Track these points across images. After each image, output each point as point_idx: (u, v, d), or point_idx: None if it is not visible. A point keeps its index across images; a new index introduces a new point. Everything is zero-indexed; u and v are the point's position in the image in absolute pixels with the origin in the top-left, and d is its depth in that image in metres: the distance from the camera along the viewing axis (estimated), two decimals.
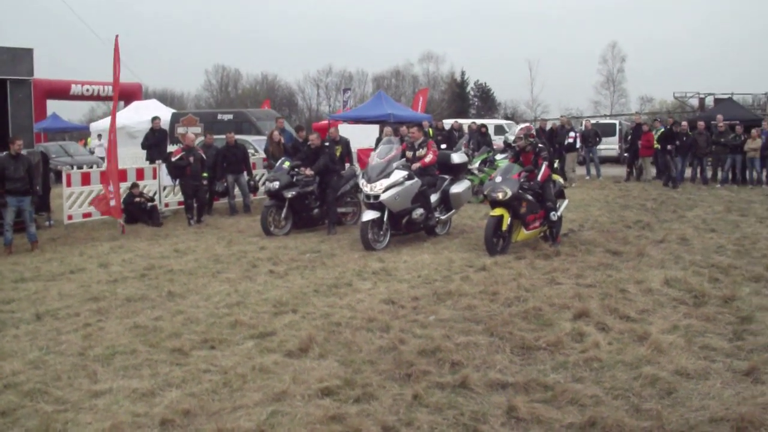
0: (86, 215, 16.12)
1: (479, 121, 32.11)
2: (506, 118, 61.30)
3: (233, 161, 17.65)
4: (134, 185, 16.39)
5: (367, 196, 12.49)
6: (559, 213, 12.33)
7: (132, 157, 22.89)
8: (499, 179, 11.69)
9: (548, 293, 8.91)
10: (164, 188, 17.78)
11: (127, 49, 15.29)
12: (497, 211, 11.57)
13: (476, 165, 19.26)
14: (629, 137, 26.31)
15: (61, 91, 39.43)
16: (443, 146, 20.22)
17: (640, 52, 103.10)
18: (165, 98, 65.06)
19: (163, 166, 17.30)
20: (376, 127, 25.01)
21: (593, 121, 32.43)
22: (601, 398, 5.59)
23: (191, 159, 15.80)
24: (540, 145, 12.45)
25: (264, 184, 16.67)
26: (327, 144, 14.95)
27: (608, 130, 32.81)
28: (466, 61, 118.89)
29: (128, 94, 36.52)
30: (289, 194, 14.09)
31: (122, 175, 16.14)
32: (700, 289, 8.88)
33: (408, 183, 12.54)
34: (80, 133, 50.13)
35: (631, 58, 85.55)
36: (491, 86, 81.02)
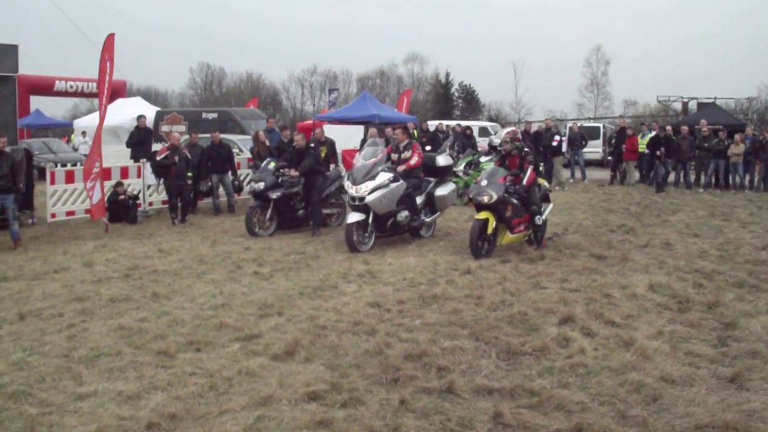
0: (69, 213, 16.05)
1: (464, 123, 32.20)
2: (490, 120, 61.52)
3: (218, 161, 17.60)
4: (119, 184, 16.30)
5: (353, 198, 12.48)
6: (543, 217, 12.37)
7: (115, 155, 22.74)
8: (484, 183, 11.72)
9: (533, 297, 8.93)
10: (148, 187, 17.69)
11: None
12: (482, 215, 11.59)
13: (461, 167, 19.29)
14: (613, 141, 26.39)
15: (45, 87, 39.19)
16: (428, 148, 20.20)
17: (624, 56, 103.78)
18: (149, 96, 64.76)
19: (148, 165, 17.22)
20: (361, 128, 24.98)
21: (579, 124, 32.49)
22: (587, 404, 5.61)
23: (176, 158, 15.75)
24: (526, 149, 12.48)
25: (249, 184, 16.63)
26: (312, 145, 14.92)
27: (592, 134, 32.85)
28: (450, 62, 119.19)
29: (112, 92, 36.18)
30: (274, 195, 14.05)
31: (106, 174, 16.04)
32: (684, 295, 8.95)
33: (393, 185, 12.55)
34: (63, 129, 49.82)
35: (615, 61, 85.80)
36: (475, 88, 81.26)
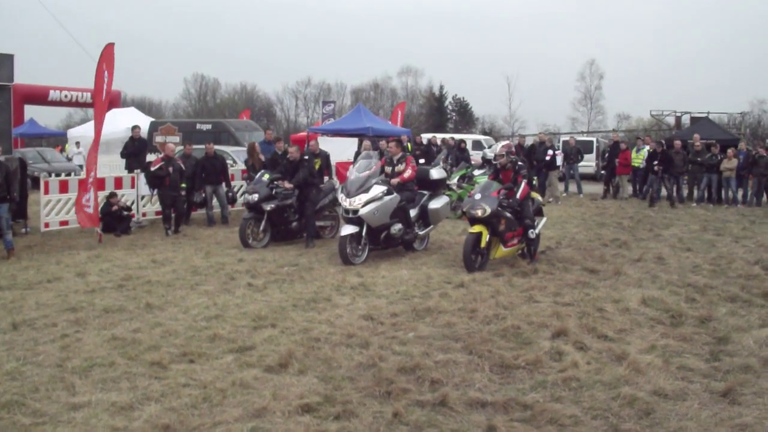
0: (63, 223, 16.03)
1: (458, 137, 32.27)
2: (484, 133, 61.58)
3: (212, 172, 17.59)
4: (112, 194, 16.28)
5: (346, 211, 12.51)
6: (537, 231, 12.42)
7: (109, 165, 22.76)
8: (478, 196, 11.75)
9: (526, 311, 8.95)
10: (142, 197, 17.67)
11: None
12: (476, 228, 11.61)
13: (455, 181, 19.35)
14: (606, 155, 26.45)
15: (40, 97, 39.23)
16: (421, 161, 20.25)
17: (617, 70, 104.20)
18: (143, 106, 64.73)
19: (142, 176, 17.21)
20: (355, 141, 25.02)
21: (581, 138, 32.54)
22: (580, 418, 5.63)
23: (170, 169, 15.75)
24: (519, 162, 12.53)
25: (243, 195, 16.65)
26: (306, 157, 14.94)
27: (586, 148, 32.88)
28: (444, 75, 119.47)
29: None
30: (268, 207, 14.07)
31: (100, 184, 16.04)
32: (677, 309, 8.98)
33: (387, 198, 12.58)
34: (57, 139, 49.73)
35: (609, 75, 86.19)
36: (469, 101, 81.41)
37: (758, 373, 6.72)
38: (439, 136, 32.50)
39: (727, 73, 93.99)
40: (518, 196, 12.05)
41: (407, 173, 13.20)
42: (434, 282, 10.83)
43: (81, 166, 29.54)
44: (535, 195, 13.15)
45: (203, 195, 17.61)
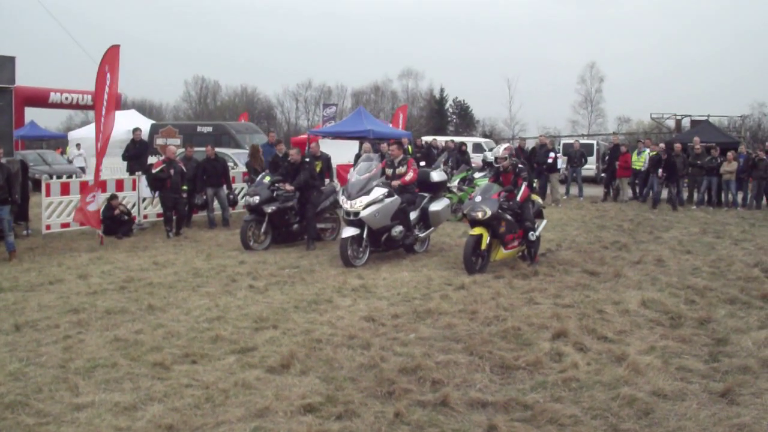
0: (64, 225, 16.08)
1: (458, 139, 32.30)
2: (484, 136, 61.63)
3: (213, 174, 17.64)
4: (113, 197, 16.31)
5: (347, 213, 12.55)
6: (537, 233, 12.47)
7: (109, 167, 22.78)
8: (478, 198, 11.79)
9: (527, 313, 8.99)
10: (143, 200, 17.71)
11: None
12: (476, 230, 11.65)
13: (455, 183, 19.39)
14: (607, 158, 26.49)
15: (40, 99, 39.24)
16: (422, 164, 20.28)
17: (618, 73, 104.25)
18: (144, 109, 64.89)
19: (143, 178, 17.25)
20: (355, 143, 25.07)
21: (580, 141, 32.54)
22: (580, 418, 5.68)
23: (172, 171, 15.79)
24: (520, 165, 12.57)
25: (244, 198, 16.70)
26: (307, 159, 14.99)
27: (586, 151, 32.85)
28: (445, 77, 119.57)
29: None
30: (269, 209, 14.13)
31: (102, 186, 16.08)
32: (677, 311, 9.02)
33: (388, 200, 12.62)
34: (57, 141, 49.80)
35: (609, 78, 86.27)
36: (470, 104, 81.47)
37: (756, 373, 6.76)
38: (440, 138, 32.57)
39: (728, 76, 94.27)
40: (518, 198, 12.08)
41: (409, 176, 13.25)
42: (435, 284, 10.87)
43: (82, 168, 29.62)
44: (536, 197, 13.19)
45: (204, 197, 17.64)
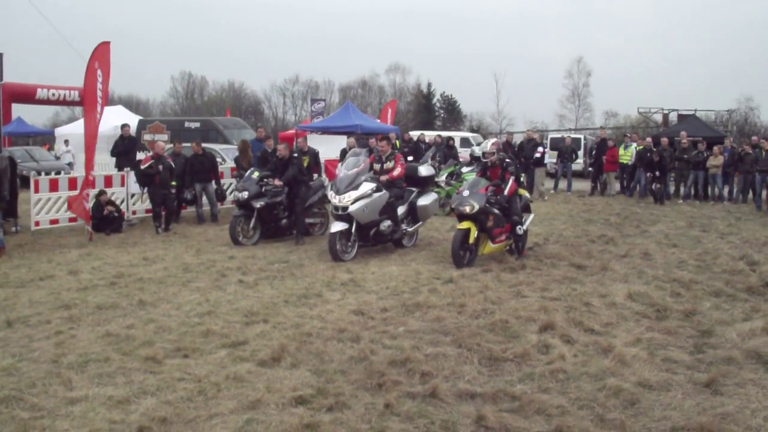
0: (53, 222, 16.08)
1: (445, 134, 32.37)
2: (472, 130, 61.72)
3: (201, 170, 17.66)
4: (102, 192, 16.30)
5: (336, 208, 12.61)
6: (524, 227, 12.55)
7: (98, 163, 22.70)
8: (466, 193, 11.87)
9: (514, 306, 9.08)
10: (132, 196, 17.71)
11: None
12: (464, 225, 11.74)
13: (443, 178, 19.45)
14: (594, 152, 26.59)
15: (27, 95, 38.98)
16: (410, 158, 20.35)
17: (605, 67, 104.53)
18: (130, 104, 64.72)
19: (132, 174, 17.25)
20: (343, 138, 25.10)
21: (573, 136, 32.61)
22: (567, 408, 5.77)
23: (160, 167, 15.81)
24: (507, 159, 12.65)
25: (232, 193, 16.73)
26: (295, 155, 15.03)
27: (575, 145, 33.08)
28: (432, 72, 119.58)
29: None
30: (258, 204, 14.17)
31: (91, 183, 16.07)
32: (663, 304, 9.13)
33: (376, 195, 12.69)
34: (44, 137, 49.63)
35: (596, 73, 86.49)
36: (457, 98, 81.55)
37: (740, 364, 6.87)
38: (428, 133, 32.61)
39: (715, 71, 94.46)
40: (506, 192, 12.16)
41: (397, 171, 13.31)
42: (423, 278, 10.95)
43: (70, 165, 29.52)
44: (523, 192, 13.27)
45: (193, 193, 17.65)
